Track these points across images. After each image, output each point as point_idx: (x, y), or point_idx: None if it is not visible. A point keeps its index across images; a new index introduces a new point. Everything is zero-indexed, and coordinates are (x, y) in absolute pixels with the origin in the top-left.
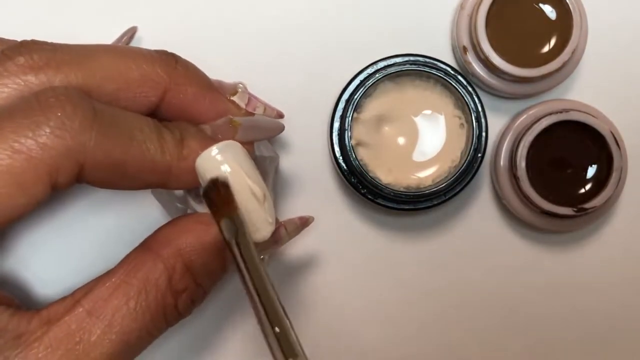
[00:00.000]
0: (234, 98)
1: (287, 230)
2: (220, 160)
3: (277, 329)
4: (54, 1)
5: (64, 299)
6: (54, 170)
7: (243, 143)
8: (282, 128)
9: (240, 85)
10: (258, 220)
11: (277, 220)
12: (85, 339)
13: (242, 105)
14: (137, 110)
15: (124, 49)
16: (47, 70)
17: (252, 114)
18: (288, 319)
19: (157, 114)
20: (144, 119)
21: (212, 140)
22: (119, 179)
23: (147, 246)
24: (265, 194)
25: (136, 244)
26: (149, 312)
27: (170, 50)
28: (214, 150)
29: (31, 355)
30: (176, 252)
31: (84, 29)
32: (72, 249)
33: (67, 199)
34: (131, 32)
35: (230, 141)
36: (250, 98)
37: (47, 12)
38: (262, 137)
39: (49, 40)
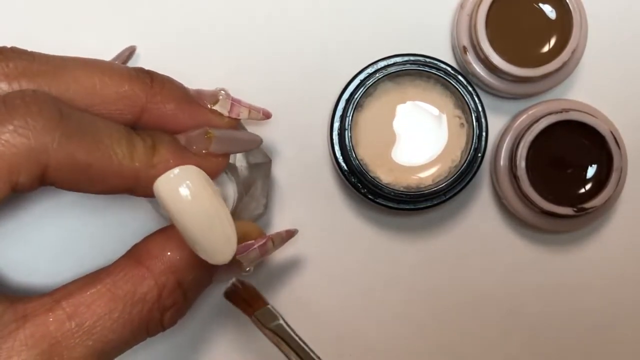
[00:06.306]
0: (216, 107)
1: (274, 243)
2: (178, 184)
3: None
4: (49, 14)
5: (41, 296)
6: (15, 169)
7: (218, 155)
8: (259, 141)
9: (222, 92)
10: (219, 243)
11: (264, 233)
12: (61, 342)
13: (225, 112)
14: None
15: (102, 64)
16: (21, 79)
17: (237, 121)
18: None
19: (135, 128)
20: (114, 124)
21: (185, 150)
22: (84, 182)
23: (137, 257)
24: (228, 217)
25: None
26: (130, 325)
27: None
28: (172, 173)
29: (5, 349)
30: (168, 268)
31: (81, 43)
32: (40, 238)
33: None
34: (129, 51)
35: (189, 166)
36: (233, 104)
37: (45, 24)
38: (237, 150)
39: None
